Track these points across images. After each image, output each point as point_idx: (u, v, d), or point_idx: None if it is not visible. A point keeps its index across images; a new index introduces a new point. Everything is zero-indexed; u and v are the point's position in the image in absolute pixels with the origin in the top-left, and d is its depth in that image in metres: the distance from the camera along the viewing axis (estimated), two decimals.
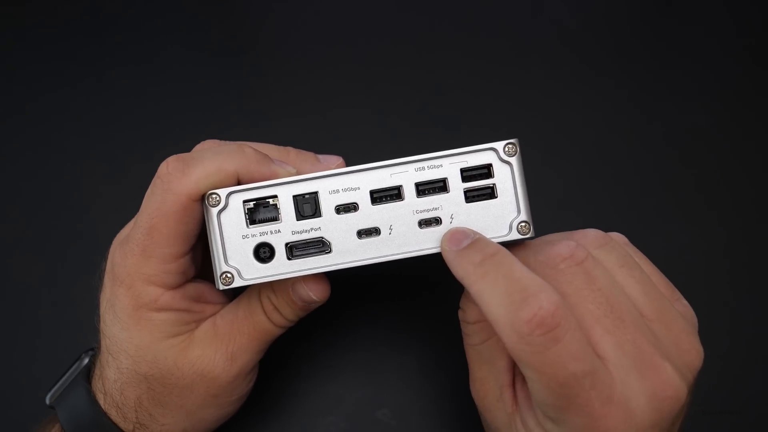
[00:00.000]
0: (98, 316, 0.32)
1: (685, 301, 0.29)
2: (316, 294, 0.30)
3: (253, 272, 0.28)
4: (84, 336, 0.36)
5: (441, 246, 0.28)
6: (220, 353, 0.30)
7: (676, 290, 0.29)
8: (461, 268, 0.26)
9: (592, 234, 0.29)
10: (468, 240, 0.27)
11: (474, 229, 0.28)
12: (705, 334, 0.40)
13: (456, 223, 0.28)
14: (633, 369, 0.25)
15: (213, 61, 0.49)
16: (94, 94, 0.48)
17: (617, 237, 0.30)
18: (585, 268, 0.26)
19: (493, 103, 0.47)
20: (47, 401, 0.33)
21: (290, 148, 0.32)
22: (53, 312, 0.42)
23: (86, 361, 0.34)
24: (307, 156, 0.32)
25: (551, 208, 0.43)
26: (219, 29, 0.50)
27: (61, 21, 0.50)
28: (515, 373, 0.29)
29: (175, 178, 0.27)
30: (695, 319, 0.28)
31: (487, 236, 0.28)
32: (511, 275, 0.25)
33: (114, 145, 0.46)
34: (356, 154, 0.34)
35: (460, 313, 0.30)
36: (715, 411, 0.39)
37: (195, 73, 0.48)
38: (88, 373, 0.33)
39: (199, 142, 0.33)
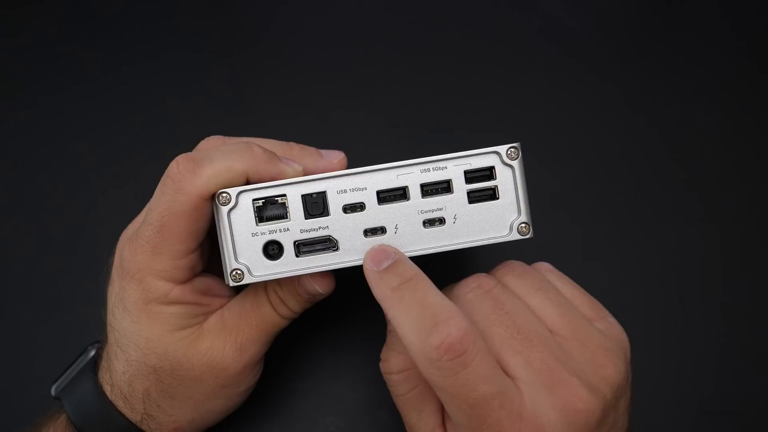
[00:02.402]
0: (106, 309, 0.34)
1: (612, 320, 0.31)
2: (322, 287, 0.33)
3: (262, 269, 0.30)
4: (87, 331, 0.38)
5: (363, 263, 0.30)
6: (230, 344, 0.33)
7: (603, 310, 0.32)
8: (380, 291, 0.29)
9: (512, 264, 0.32)
10: (388, 261, 0.29)
11: (476, 229, 0.31)
12: (704, 333, 0.42)
13: (459, 224, 0.31)
14: (542, 385, 0.27)
15: (214, 61, 0.51)
16: (96, 94, 0.50)
17: (541, 266, 0.33)
18: (493, 295, 0.29)
19: (493, 105, 0.49)
20: (53, 392, 0.36)
21: (293, 144, 0.34)
22: (55, 308, 0.44)
23: (92, 353, 0.36)
24: (310, 151, 0.34)
25: (548, 209, 0.46)
26: (220, 29, 0.52)
27: (61, 21, 0.52)
28: (444, 412, 0.31)
29: (186, 178, 0.29)
30: (622, 337, 0.31)
31: (489, 236, 0.31)
32: (424, 301, 0.27)
33: (116, 143, 0.48)
34: (358, 155, 0.36)
35: (383, 365, 0.32)
36: (715, 411, 0.41)
37: (196, 73, 0.50)
38: (94, 364, 0.35)
39: (201, 140, 0.35)
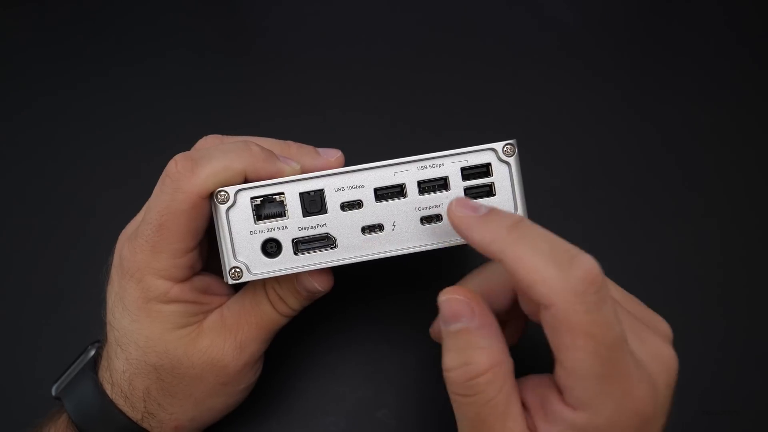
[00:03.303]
0: (105, 308, 0.35)
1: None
2: (321, 285, 0.33)
3: (261, 267, 0.31)
4: (86, 330, 0.39)
5: (451, 212, 0.28)
6: (229, 342, 0.33)
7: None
8: (490, 232, 0.27)
9: None
10: (485, 208, 0.28)
11: None
12: (704, 333, 0.43)
13: None
14: (632, 334, 0.27)
15: (213, 60, 0.51)
16: (96, 94, 0.50)
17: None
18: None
19: (492, 103, 0.49)
20: (53, 392, 0.36)
21: (291, 142, 0.35)
22: (55, 308, 0.45)
23: (92, 352, 0.37)
24: (308, 149, 0.35)
25: (547, 206, 0.46)
26: (219, 29, 0.53)
27: (61, 21, 0.53)
28: (526, 417, 0.28)
29: (185, 176, 0.30)
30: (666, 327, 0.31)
31: None
32: (548, 237, 0.26)
33: (115, 143, 0.49)
34: (355, 154, 0.36)
35: (464, 372, 0.27)
36: (715, 411, 0.41)
37: (194, 72, 0.51)
38: (94, 364, 0.36)
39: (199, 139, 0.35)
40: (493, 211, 0.28)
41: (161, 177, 0.31)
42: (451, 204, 0.29)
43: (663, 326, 0.30)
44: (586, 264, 0.25)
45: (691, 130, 0.48)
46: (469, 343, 0.28)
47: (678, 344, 0.42)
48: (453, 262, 0.43)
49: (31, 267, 0.46)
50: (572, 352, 0.25)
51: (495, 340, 0.28)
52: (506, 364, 0.28)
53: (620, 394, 0.25)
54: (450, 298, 0.28)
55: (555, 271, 0.25)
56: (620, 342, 0.25)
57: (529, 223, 0.27)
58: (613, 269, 0.44)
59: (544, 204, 0.46)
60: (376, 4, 0.53)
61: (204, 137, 0.35)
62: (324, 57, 0.51)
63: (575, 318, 0.25)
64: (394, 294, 0.43)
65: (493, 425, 0.27)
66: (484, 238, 0.27)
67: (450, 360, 0.28)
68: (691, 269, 0.45)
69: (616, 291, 0.31)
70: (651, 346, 0.27)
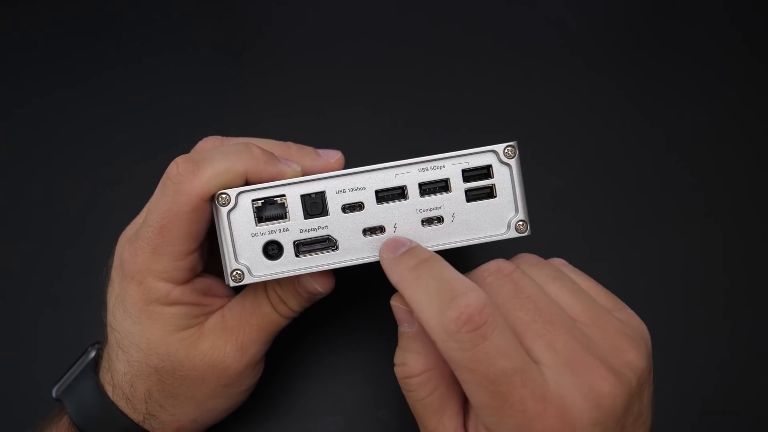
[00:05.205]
0: (105, 310, 0.35)
1: (630, 311, 0.31)
2: (322, 286, 0.34)
3: (262, 269, 0.31)
4: (86, 332, 0.39)
5: (379, 254, 0.31)
6: (231, 344, 0.34)
7: (620, 302, 0.32)
8: (396, 274, 0.29)
9: (526, 255, 0.32)
10: (404, 248, 0.30)
11: (474, 227, 0.32)
12: (705, 333, 0.43)
13: (457, 222, 0.32)
14: (565, 368, 0.27)
15: (213, 60, 0.52)
16: (95, 94, 0.51)
17: (555, 260, 0.33)
18: (512, 279, 0.29)
19: (492, 103, 0.49)
20: (54, 394, 0.37)
21: (291, 144, 0.35)
22: (55, 309, 0.45)
23: (93, 354, 0.37)
24: (308, 151, 0.35)
25: (549, 208, 0.46)
26: (219, 29, 0.53)
27: (61, 21, 0.53)
28: (464, 414, 0.31)
29: (186, 179, 0.30)
30: (642, 328, 0.31)
31: (487, 234, 0.32)
32: (441, 277, 0.28)
33: (114, 144, 0.49)
34: (355, 154, 0.37)
35: (401, 370, 0.31)
36: (715, 411, 0.42)
37: (194, 72, 0.51)
38: (95, 365, 0.36)
39: (199, 140, 0.36)
40: (408, 251, 0.30)
41: (162, 179, 0.31)
42: (381, 246, 0.31)
43: (629, 356, 0.28)
44: (463, 304, 0.26)
45: (693, 129, 0.49)
46: (407, 346, 0.31)
47: (680, 344, 0.44)
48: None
49: (30, 268, 0.46)
50: (463, 384, 0.27)
51: (432, 346, 0.29)
52: (441, 369, 0.30)
53: (516, 426, 0.26)
54: (394, 305, 0.31)
55: (434, 311, 0.27)
56: (506, 376, 0.26)
57: (432, 262, 0.29)
58: (615, 270, 0.45)
59: (545, 205, 0.46)
60: (376, 4, 0.53)
61: (204, 139, 0.36)
62: (323, 57, 0.51)
63: (453, 354, 0.26)
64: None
65: (428, 420, 0.30)
66: (393, 279, 0.30)
67: (396, 356, 0.31)
68: (693, 270, 0.45)
69: (584, 306, 0.30)
70: (586, 381, 0.27)
